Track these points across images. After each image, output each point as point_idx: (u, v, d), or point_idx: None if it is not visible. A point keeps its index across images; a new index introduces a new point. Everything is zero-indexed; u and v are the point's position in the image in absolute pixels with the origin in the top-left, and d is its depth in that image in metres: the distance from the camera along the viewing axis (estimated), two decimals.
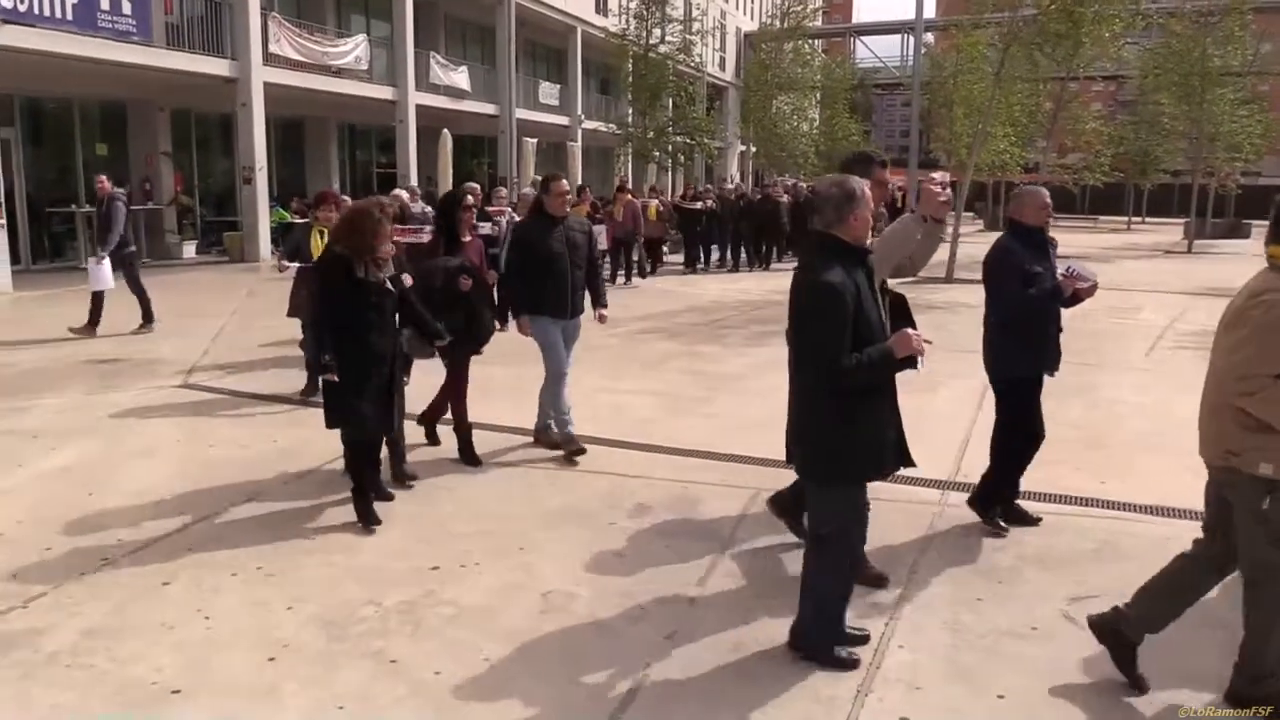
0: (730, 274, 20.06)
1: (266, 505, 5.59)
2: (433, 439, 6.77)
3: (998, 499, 5.33)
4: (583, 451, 6.49)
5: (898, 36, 53.60)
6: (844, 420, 3.62)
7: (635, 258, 18.27)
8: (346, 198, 9.19)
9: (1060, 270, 5.10)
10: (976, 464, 6.46)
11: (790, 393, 3.85)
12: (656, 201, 20.39)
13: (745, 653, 3.92)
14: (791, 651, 3.88)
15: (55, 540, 4.98)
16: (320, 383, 5.49)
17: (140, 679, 3.66)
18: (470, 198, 6.86)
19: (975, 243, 28.25)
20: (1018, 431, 5.22)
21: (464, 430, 6.46)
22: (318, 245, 7.71)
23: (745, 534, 5.21)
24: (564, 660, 3.86)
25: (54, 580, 4.49)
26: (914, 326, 3.89)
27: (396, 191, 10.87)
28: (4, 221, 14.93)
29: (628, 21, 27.78)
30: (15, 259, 16.25)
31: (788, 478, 6.09)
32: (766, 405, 8.18)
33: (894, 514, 5.52)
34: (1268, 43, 32.15)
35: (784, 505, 5.09)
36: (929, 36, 39.38)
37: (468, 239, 6.50)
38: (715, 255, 21.21)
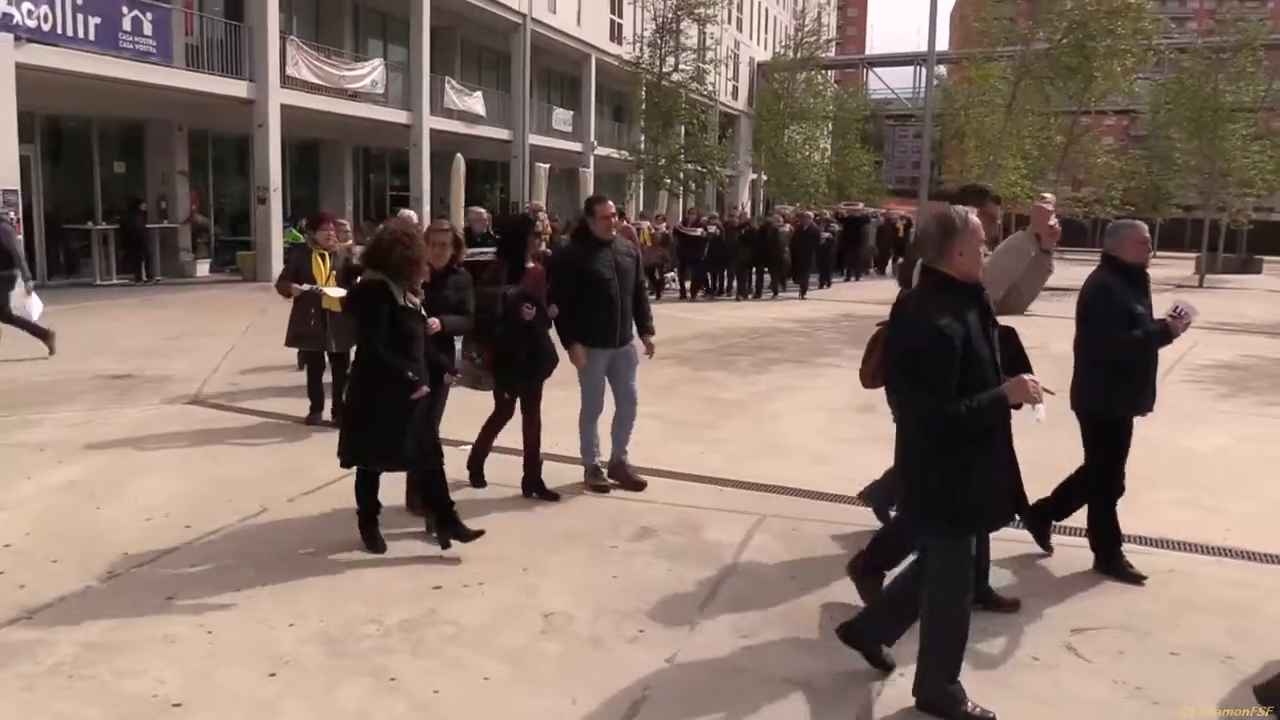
0: (733, 302, 20.04)
1: (272, 523, 5.61)
2: (478, 480, 6.33)
3: (1116, 541, 5.09)
4: (607, 490, 6.26)
5: (910, 68, 53.87)
6: (954, 468, 3.41)
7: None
8: (345, 222, 9.07)
9: (1169, 310, 4.89)
10: None
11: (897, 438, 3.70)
12: (649, 225, 20.14)
13: (746, 678, 3.92)
14: (920, 713, 3.65)
15: (61, 553, 5.01)
16: (345, 409, 5.30)
17: (141, 692, 3.68)
18: (541, 222, 6.75)
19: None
20: (1112, 474, 5.02)
21: (482, 453, 6.31)
22: (319, 269, 7.68)
23: (748, 559, 5.21)
24: (564, 681, 3.86)
25: (58, 592, 4.51)
26: (1026, 362, 3.73)
27: (406, 212, 10.67)
28: (21, 238, 15.04)
29: (642, 49, 28.00)
30: (31, 275, 16.34)
31: (791, 505, 6.13)
32: (773, 432, 8.24)
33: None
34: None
35: (864, 568, 4.67)
36: (941, 68, 39.57)
37: (529, 265, 6.16)
38: (715, 283, 21.08)
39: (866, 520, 5.90)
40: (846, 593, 4.75)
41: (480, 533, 5.17)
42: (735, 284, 20.92)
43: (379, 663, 3.95)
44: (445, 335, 5.46)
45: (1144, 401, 4.97)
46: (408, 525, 5.57)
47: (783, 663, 4.03)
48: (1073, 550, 5.42)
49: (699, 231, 19.98)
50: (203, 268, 21.30)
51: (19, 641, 4.04)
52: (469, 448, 6.39)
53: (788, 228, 21.25)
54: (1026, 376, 3.42)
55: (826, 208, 29.32)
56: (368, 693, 3.72)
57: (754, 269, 20.93)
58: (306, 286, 7.69)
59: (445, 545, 5.11)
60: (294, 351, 8.98)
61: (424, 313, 5.16)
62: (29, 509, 5.73)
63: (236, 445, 7.29)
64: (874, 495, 5.49)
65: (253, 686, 3.75)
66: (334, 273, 7.73)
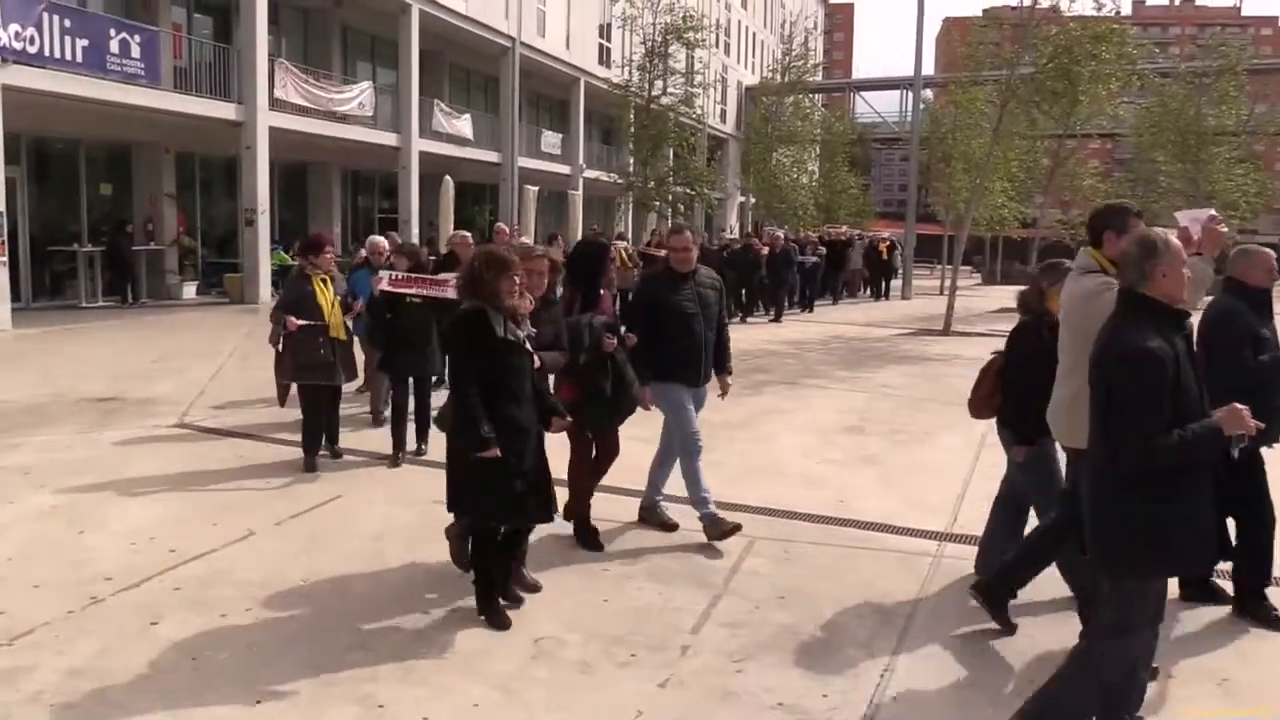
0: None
1: (259, 547, 5.54)
2: (593, 540, 5.66)
3: (1263, 583, 4.82)
4: (736, 529, 5.70)
5: (897, 92, 54.26)
6: (1157, 503, 3.15)
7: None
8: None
9: None
10: (973, 515, 6.45)
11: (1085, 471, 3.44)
12: (625, 245, 18.65)
13: (738, 703, 3.87)
14: None
15: (44, 578, 4.93)
16: (449, 459, 4.64)
17: None
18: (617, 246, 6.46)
19: (973, 296, 28.42)
20: (1263, 510, 4.78)
21: (584, 508, 5.69)
22: (323, 296, 7.19)
23: (739, 583, 5.16)
24: (554, 706, 3.81)
25: (41, 618, 4.43)
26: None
27: (374, 238, 9.97)
28: (5, 259, 14.98)
29: (630, 73, 28.13)
30: (16, 297, 16.28)
31: (782, 527, 6.10)
32: (764, 454, 8.21)
33: (890, 564, 5.51)
34: (1262, 104, 32.53)
35: (991, 591, 4.62)
36: (928, 92, 39.87)
37: (600, 294, 5.77)
38: None
39: (859, 541, 5.88)
40: (839, 615, 4.73)
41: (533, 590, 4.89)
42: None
43: (367, 690, 3.89)
44: (542, 373, 4.88)
45: (1275, 430, 4.55)
46: (407, 550, 5.51)
47: (775, 687, 3.99)
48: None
49: (663, 253, 19.20)
50: (189, 290, 21.19)
51: (0, 668, 3.97)
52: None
53: (765, 250, 20.56)
54: (1239, 406, 3.12)
55: (812, 230, 29.31)
56: None
57: (736, 292, 20.15)
58: (307, 324, 7.07)
59: (515, 601, 4.72)
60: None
61: (530, 346, 4.60)
62: (11, 534, 5.65)
63: (222, 469, 7.22)
64: (986, 565, 5.05)
65: (239, 715, 3.68)
66: (338, 300, 7.32)
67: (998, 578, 4.65)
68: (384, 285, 7.22)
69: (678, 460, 5.93)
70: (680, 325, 5.72)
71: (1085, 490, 3.38)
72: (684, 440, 5.81)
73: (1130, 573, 3.26)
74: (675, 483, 5.96)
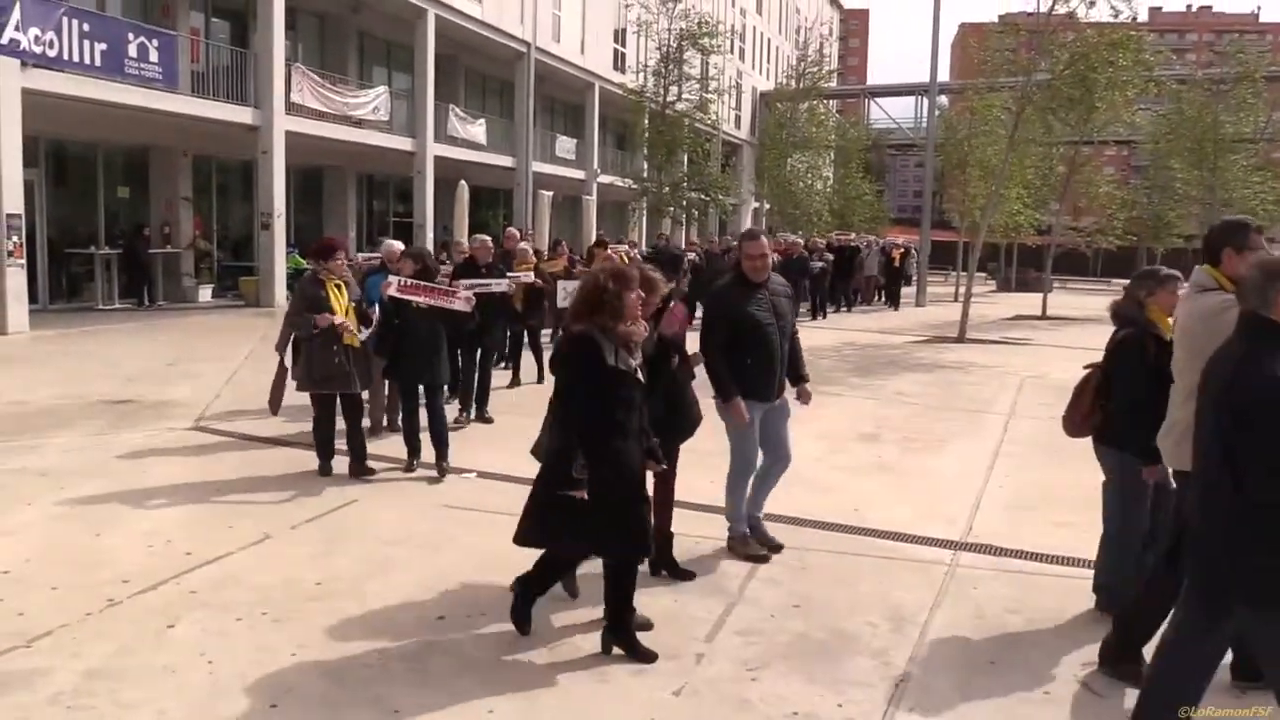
0: None
1: (274, 550, 5.56)
2: (682, 572, 5.33)
3: None
4: (763, 559, 5.58)
5: (912, 98, 54.21)
6: None
7: None
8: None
9: None
10: (988, 524, 6.44)
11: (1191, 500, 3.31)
12: (626, 247, 17.98)
13: (753, 712, 3.86)
14: None
15: (61, 579, 4.96)
16: (537, 488, 4.33)
17: None
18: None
19: (988, 303, 28.33)
20: None
21: (666, 535, 5.35)
22: (337, 300, 7.05)
23: (753, 591, 5.15)
24: (570, 714, 3.81)
25: (58, 620, 4.46)
26: None
27: (389, 243, 9.32)
28: (23, 261, 15.08)
29: (645, 79, 28.17)
30: (33, 299, 16.40)
31: (796, 535, 6.07)
32: None
33: (904, 573, 5.49)
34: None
35: (1119, 656, 4.22)
36: (943, 98, 39.79)
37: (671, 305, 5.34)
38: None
39: (874, 549, 5.86)
40: (854, 624, 4.71)
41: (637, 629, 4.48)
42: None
43: (382, 694, 3.89)
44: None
45: None
46: (416, 546, 5.52)
47: (790, 696, 3.98)
48: (1075, 582, 5.35)
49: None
50: (205, 293, 21.31)
51: (17, 670, 3.98)
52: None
53: (774, 256, 20.59)
54: None
55: (820, 236, 29.04)
56: None
57: None
58: (336, 319, 6.97)
59: (607, 650, 4.34)
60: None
61: (642, 376, 4.30)
62: (30, 535, 5.68)
63: (238, 471, 7.25)
64: (1111, 603, 4.75)
65: (255, 718, 3.69)
66: (352, 305, 7.20)
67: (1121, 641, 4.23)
68: (392, 291, 7.06)
69: (768, 475, 5.80)
70: (756, 337, 5.47)
71: (1202, 520, 3.24)
72: (741, 462, 5.68)
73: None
74: (698, 491, 5.95)
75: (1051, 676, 4.23)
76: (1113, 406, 4.77)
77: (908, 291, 28.82)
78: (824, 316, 22.49)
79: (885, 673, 4.23)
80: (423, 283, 7.28)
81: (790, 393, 5.90)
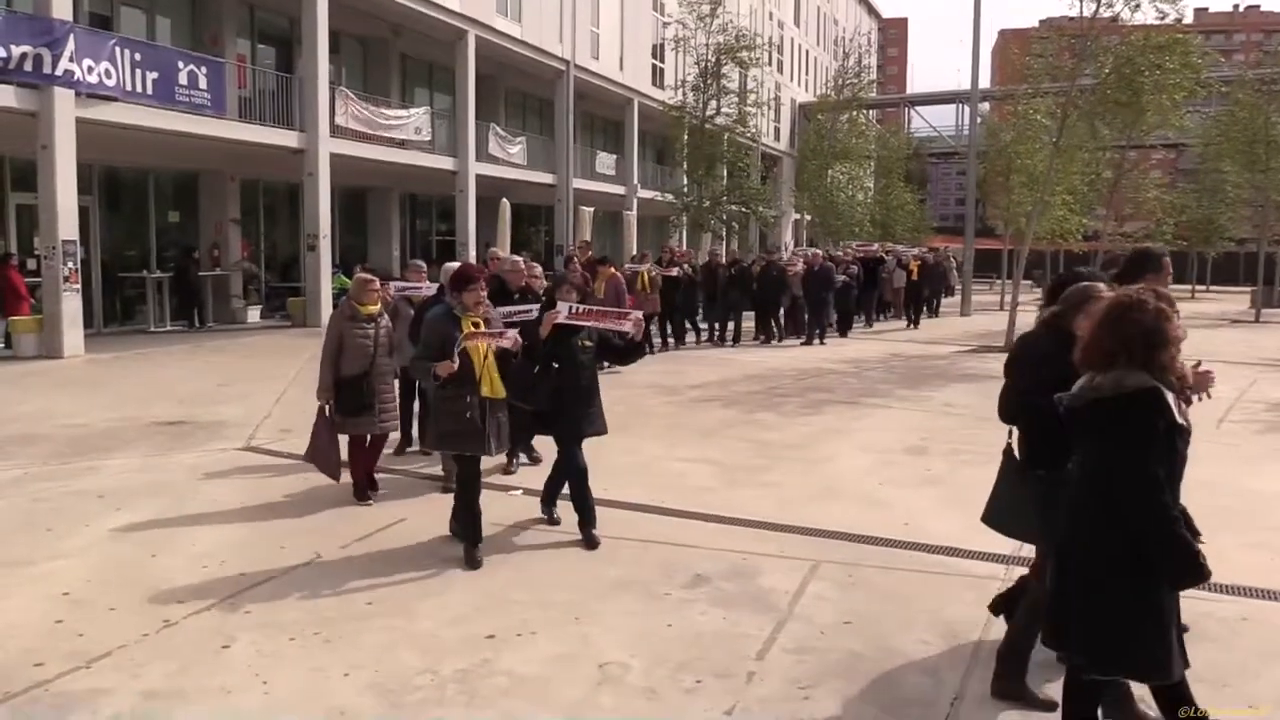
0: (756, 345, 18.72)
1: (325, 570, 5.61)
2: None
3: None
4: None
5: (952, 106, 53.81)
6: None
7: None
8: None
9: None
10: None
11: None
12: (647, 268, 16.71)
13: None
14: None
15: (119, 600, 5.04)
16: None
17: None
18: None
19: (1034, 311, 27.89)
20: None
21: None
22: (475, 343, 5.75)
23: (804, 608, 5.11)
24: None
25: (117, 641, 4.53)
26: None
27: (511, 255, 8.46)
28: (79, 286, 15.42)
29: (684, 94, 28.22)
30: (88, 323, 16.75)
31: (846, 550, 6.01)
32: (825, 475, 8.13)
33: (957, 589, 5.41)
34: None
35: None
36: (984, 105, 39.43)
37: None
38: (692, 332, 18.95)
39: (925, 565, 5.79)
40: (906, 642, 4.65)
41: None
42: (716, 328, 18.98)
43: (434, 714, 3.91)
44: None
45: None
46: (447, 557, 5.54)
47: (843, 714, 3.94)
48: None
49: (674, 271, 17.53)
50: (253, 314, 21.65)
51: (78, 691, 4.05)
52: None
53: (800, 266, 19.24)
54: None
55: (846, 247, 27.90)
56: None
57: (757, 312, 19.09)
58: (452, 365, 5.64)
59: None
60: None
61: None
62: (88, 556, 5.79)
63: (289, 492, 7.33)
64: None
65: None
66: (493, 348, 5.82)
67: None
68: (562, 318, 5.90)
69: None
70: None
71: None
72: None
73: None
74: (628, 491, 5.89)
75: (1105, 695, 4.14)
76: None
77: (948, 302, 28.41)
78: (847, 332, 20.99)
79: (939, 691, 4.17)
80: (594, 306, 6.41)
81: None
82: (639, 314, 6.42)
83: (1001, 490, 4.49)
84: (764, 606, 5.10)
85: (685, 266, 18.26)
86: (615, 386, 9.79)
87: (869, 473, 8.19)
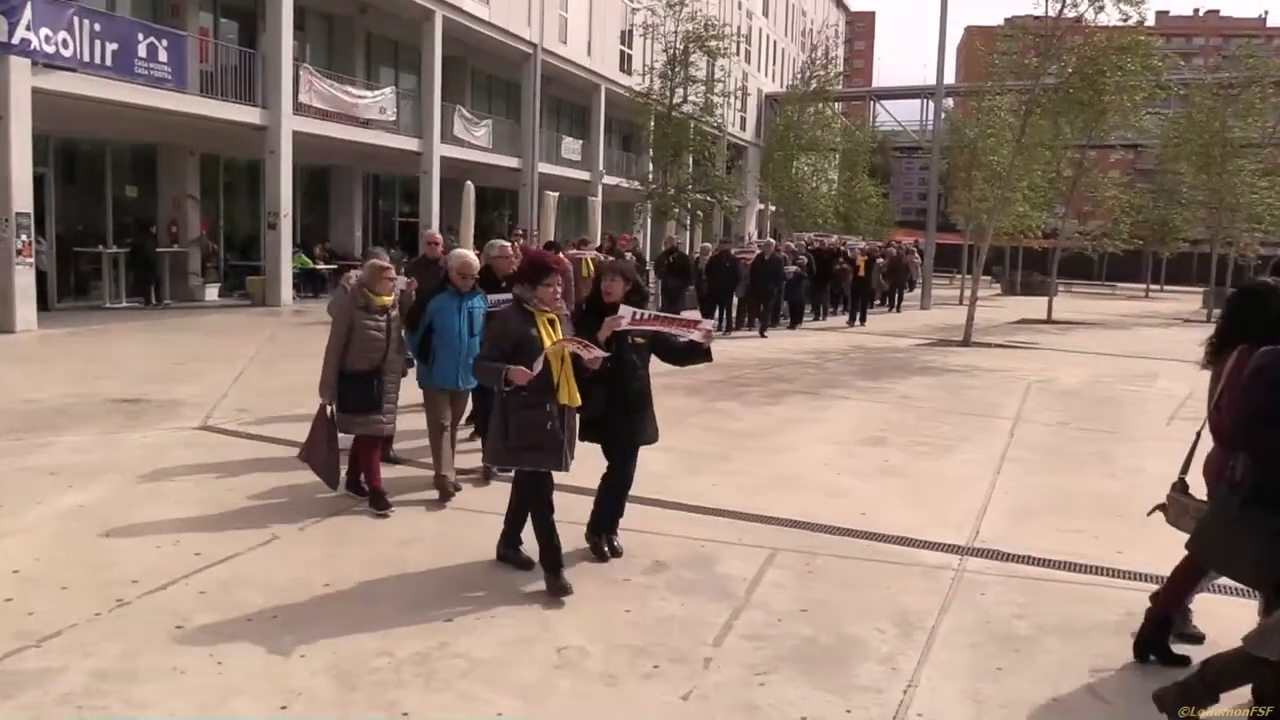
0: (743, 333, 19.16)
1: (282, 550, 5.58)
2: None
3: None
4: None
5: (917, 101, 54.16)
6: None
7: None
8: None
9: None
10: (995, 529, 6.44)
11: None
12: (593, 254, 15.20)
13: (761, 717, 3.87)
14: None
15: (71, 579, 4.98)
16: None
17: None
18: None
19: (993, 306, 28.32)
20: None
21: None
22: (553, 345, 5.06)
23: (761, 595, 5.16)
24: (578, 717, 3.82)
25: (68, 620, 4.47)
26: None
27: (460, 252, 7.14)
28: (32, 260, 15.12)
29: (652, 81, 28.19)
30: (42, 297, 16.43)
31: (804, 539, 6.08)
32: (785, 464, 8.19)
33: (912, 578, 5.49)
34: None
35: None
36: (949, 101, 39.76)
37: None
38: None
39: (881, 554, 5.87)
40: (861, 629, 4.71)
41: None
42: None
43: (391, 696, 3.91)
44: None
45: None
46: (435, 551, 5.53)
47: (798, 700, 3.99)
48: (1083, 589, 5.37)
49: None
50: (212, 292, 21.36)
51: (28, 670, 4.00)
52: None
53: (756, 254, 18.98)
54: None
55: (800, 238, 27.50)
56: None
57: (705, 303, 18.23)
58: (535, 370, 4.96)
59: None
60: (306, 375, 7.48)
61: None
62: (39, 534, 5.70)
63: (246, 472, 7.26)
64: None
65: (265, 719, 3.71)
66: (570, 350, 5.09)
67: None
68: (625, 324, 5.32)
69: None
70: None
71: None
72: None
73: None
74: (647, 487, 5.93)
75: (1060, 683, 4.23)
76: None
77: (912, 295, 28.72)
78: (798, 325, 20.80)
79: (893, 678, 4.23)
80: (659, 313, 5.90)
81: None
82: (710, 323, 5.79)
83: (1216, 525, 4.10)
84: (722, 594, 5.15)
85: (628, 255, 17.55)
86: None
87: (828, 463, 8.27)
